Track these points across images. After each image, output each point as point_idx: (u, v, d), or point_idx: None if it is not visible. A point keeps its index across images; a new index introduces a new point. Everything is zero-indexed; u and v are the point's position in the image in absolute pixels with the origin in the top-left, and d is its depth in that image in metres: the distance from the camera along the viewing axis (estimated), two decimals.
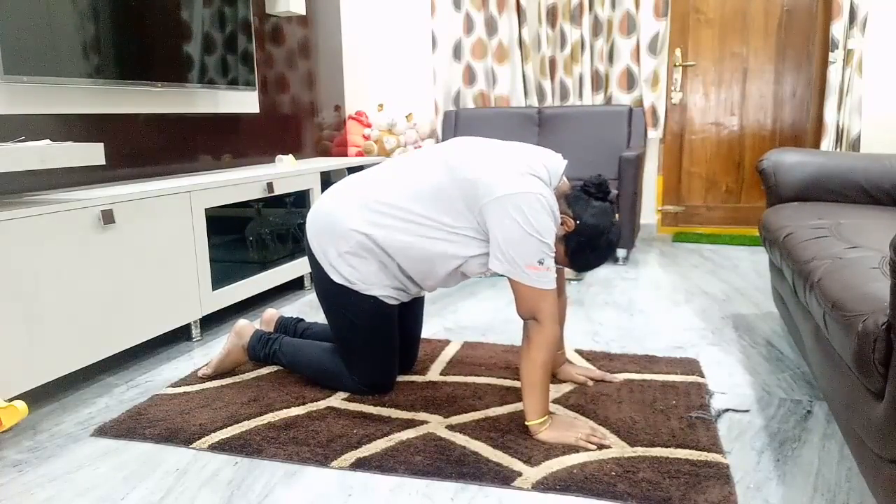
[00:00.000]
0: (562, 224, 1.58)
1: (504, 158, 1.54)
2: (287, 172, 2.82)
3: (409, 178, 1.62)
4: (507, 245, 1.48)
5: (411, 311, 1.88)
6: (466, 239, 1.57)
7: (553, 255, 1.51)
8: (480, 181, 1.51)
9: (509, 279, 1.52)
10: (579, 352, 2.09)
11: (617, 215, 3.28)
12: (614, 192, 1.67)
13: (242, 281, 2.55)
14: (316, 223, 1.70)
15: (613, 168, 3.41)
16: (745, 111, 4.01)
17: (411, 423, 1.62)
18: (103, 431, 1.63)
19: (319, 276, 1.71)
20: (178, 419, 1.67)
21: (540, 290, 1.48)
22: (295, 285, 3.06)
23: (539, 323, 1.50)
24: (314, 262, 1.71)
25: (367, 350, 1.75)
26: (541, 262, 1.47)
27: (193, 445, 1.54)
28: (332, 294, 1.69)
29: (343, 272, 1.65)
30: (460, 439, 1.53)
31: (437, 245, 1.58)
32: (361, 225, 1.61)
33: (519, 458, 1.43)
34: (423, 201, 1.58)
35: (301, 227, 3.02)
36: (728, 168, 4.10)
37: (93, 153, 1.82)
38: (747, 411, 1.67)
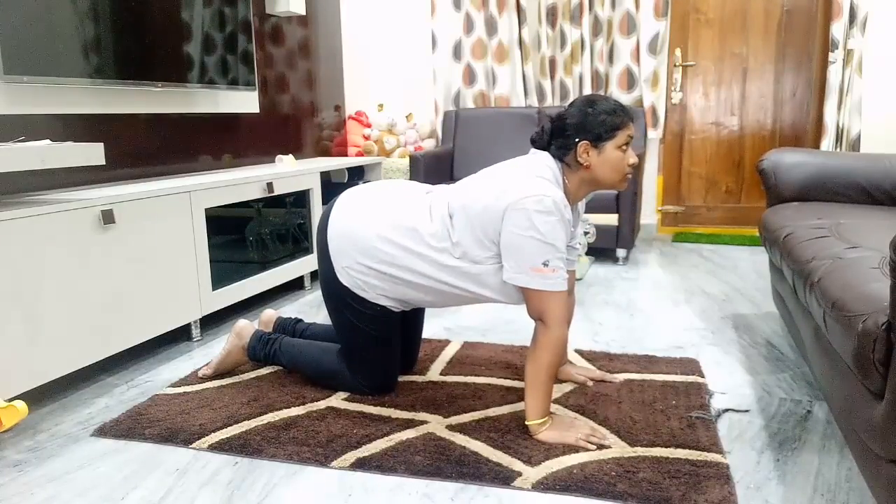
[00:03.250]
0: (586, 153, 1.54)
1: (502, 176, 1.55)
2: (287, 172, 2.82)
3: (438, 214, 1.60)
4: (512, 248, 1.48)
5: (414, 312, 1.88)
6: (488, 270, 1.56)
7: (561, 255, 1.49)
8: (488, 207, 1.51)
9: None
10: (579, 352, 2.09)
11: (617, 216, 3.28)
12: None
13: (242, 281, 2.55)
14: (340, 227, 1.67)
15: None
16: (745, 111, 4.02)
17: (411, 423, 1.62)
18: (103, 431, 1.63)
19: (327, 276, 1.70)
20: (178, 419, 1.67)
21: (546, 292, 1.48)
22: (295, 285, 3.06)
23: (545, 325, 1.50)
24: (325, 261, 1.70)
25: (370, 351, 1.75)
26: (545, 264, 1.46)
27: (193, 445, 1.54)
28: (339, 295, 1.69)
29: (355, 278, 1.65)
30: (460, 439, 1.53)
31: (458, 280, 1.58)
32: (388, 246, 1.60)
33: (519, 458, 1.43)
34: (448, 239, 1.57)
35: (301, 226, 3.02)
36: (728, 168, 4.10)
37: (93, 153, 1.82)
38: (747, 411, 1.67)
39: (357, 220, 1.65)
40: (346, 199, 1.72)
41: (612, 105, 1.56)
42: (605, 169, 1.56)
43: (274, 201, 2.82)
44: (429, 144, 4.23)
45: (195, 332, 2.34)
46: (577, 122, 1.55)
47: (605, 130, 1.54)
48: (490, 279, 1.57)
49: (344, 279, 1.66)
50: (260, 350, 1.92)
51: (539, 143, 1.61)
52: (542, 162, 1.57)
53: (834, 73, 3.55)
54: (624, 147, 1.56)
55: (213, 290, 2.38)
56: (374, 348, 1.74)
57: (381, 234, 1.61)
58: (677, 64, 4.00)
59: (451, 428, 1.59)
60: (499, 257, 1.54)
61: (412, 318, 1.89)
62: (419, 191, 1.69)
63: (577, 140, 1.54)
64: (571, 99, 3.96)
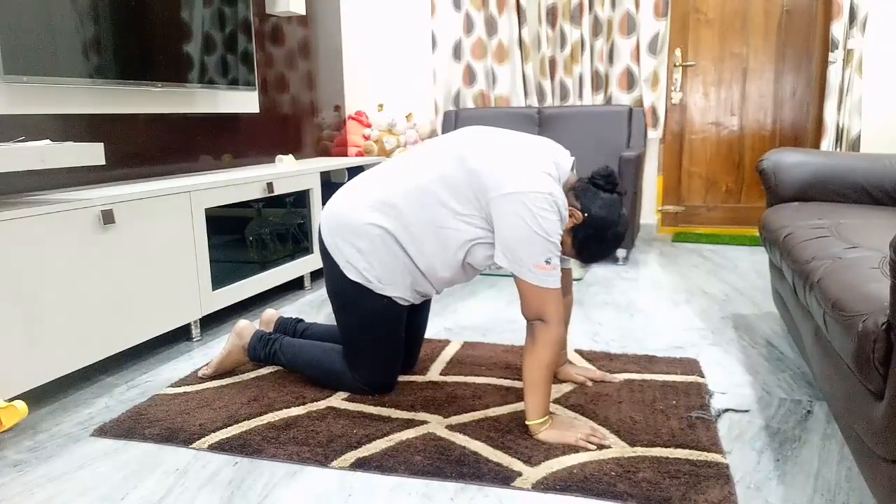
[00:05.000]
0: (570, 217, 1.58)
1: (515, 153, 1.55)
2: (287, 172, 2.82)
3: (420, 168, 1.62)
4: (514, 243, 1.48)
5: (418, 312, 1.88)
6: (473, 227, 1.57)
7: (560, 253, 1.50)
8: (489, 174, 1.51)
9: (515, 280, 1.52)
10: (579, 352, 2.09)
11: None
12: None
13: (242, 281, 2.55)
14: (331, 221, 1.69)
15: (613, 168, 3.41)
16: (745, 111, 4.01)
17: (411, 423, 1.62)
18: (103, 431, 1.63)
19: (333, 274, 1.70)
20: (178, 419, 1.67)
21: (546, 289, 1.48)
22: (295, 285, 3.06)
23: (545, 323, 1.50)
24: (328, 260, 1.70)
25: (373, 350, 1.75)
26: (547, 262, 1.47)
27: (193, 445, 1.54)
28: (345, 292, 1.69)
29: (360, 268, 1.65)
30: (460, 439, 1.53)
31: (446, 231, 1.59)
32: (376, 218, 1.62)
33: (519, 458, 1.43)
34: (432, 188, 1.58)
35: (301, 226, 3.02)
36: (728, 168, 4.10)
37: (93, 153, 1.82)
38: (747, 411, 1.67)
39: (343, 206, 1.68)
40: (332, 198, 1.75)
41: (600, 253, 1.63)
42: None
43: (274, 201, 2.82)
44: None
45: (195, 332, 2.34)
46: (595, 214, 1.57)
47: (579, 241, 1.60)
48: (470, 235, 1.59)
49: (351, 274, 1.66)
50: (260, 350, 1.92)
51: (603, 176, 1.62)
52: (550, 157, 1.57)
53: (834, 73, 3.55)
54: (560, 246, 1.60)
55: (213, 290, 2.38)
56: (377, 346, 1.74)
57: (367, 208, 1.63)
58: (677, 64, 4.00)
59: (451, 428, 1.59)
60: (479, 219, 1.56)
61: (417, 318, 1.89)
62: (400, 157, 1.72)
63: (586, 210, 1.57)
64: (571, 99, 3.96)
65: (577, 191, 1.61)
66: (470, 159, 1.55)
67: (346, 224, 1.66)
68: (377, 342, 1.73)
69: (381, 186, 1.65)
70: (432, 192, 1.58)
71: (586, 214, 1.57)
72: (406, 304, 1.72)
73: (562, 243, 1.59)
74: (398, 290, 1.68)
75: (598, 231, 1.59)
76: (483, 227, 1.57)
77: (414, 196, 1.60)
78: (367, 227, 1.62)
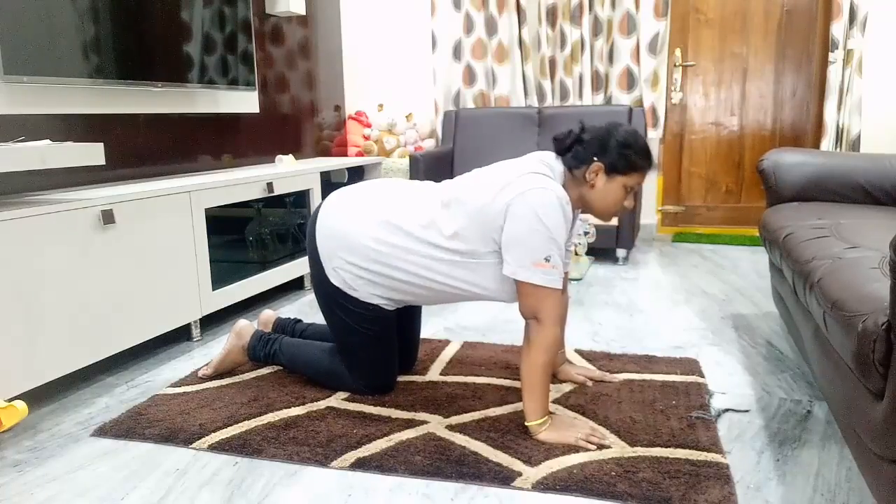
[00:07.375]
0: (595, 175, 1.56)
1: (503, 172, 1.55)
2: (287, 172, 2.82)
3: (428, 208, 1.60)
4: (516, 242, 1.48)
5: (411, 311, 1.88)
6: (486, 265, 1.56)
7: (561, 253, 1.49)
8: (491, 204, 1.51)
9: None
10: (579, 352, 2.09)
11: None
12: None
13: (242, 281, 2.55)
14: (328, 227, 1.67)
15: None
16: (745, 111, 4.01)
17: (411, 423, 1.62)
18: (103, 431, 1.63)
19: (319, 278, 1.70)
20: (178, 419, 1.67)
21: (545, 288, 1.48)
22: (294, 285, 3.06)
23: (540, 323, 1.50)
24: (315, 263, 1.70)
25: (367, 352, 1.74)
26: (548, 259, 1.46)
27: (193, 445, 1.54)
28: (331, 296, 1.69)
29: (345, 278, 1.65)
30: (460, 439, 1.53)
31: (451, 275, 1.59)
32: (376, 244, 1.60)
33: (519, 458, 1.43)
34: (439, 233, 1.57)
35: (301, 227, 3.02)
36: (728, 168, 4.10)
37: (93, 153, 1.82)
38: (747, 411, 1.67)
39: (346, 220, 1.66)
40: (334, 201, 1.72)
41: (643, 146, 1.57)
42: (604, 197, 1.58)
43: (274, 201, 2.82)
44: (429, 144, 4.23)
45: (195, 332, 2.34)
46: (603, 143, 1.55)
47: (624, 164, 1.55)
48: (485, 272, 1.57)
49: (335, 280, 1.66)
50: (260, 350, 1.92)
51: (560, 143, 1.60)
52: (538, 160, 1.57)
53: (834, 73, 3.55)
54: (629, 188, 1.58)
55: (213, 290, 2.38)
56: (370, 348, 1.74)
57: (370, 233, 1.61)
58: (677, 64, 4.00)
59: (451, 428, 1.59)
60: (497, 253, 1.54)
61: (409, 317, 1.89)
62: (409, 188, 1.69)
63: (594, 158, 1.55)
64: (571, 99, 3.96)
65: (572, 161, 1.58)
66: (467, 203, 1.54)
67: (343, 237, 1.64)
68: (368, 344, 1.73)
69: (390, 214, 1.62)
70: (438, 238, 1.57)
71: (596, 156, 1.55)
72: (393, 307, 1.72)
73: (606, 192, 1.56)
74: (382, 299, 1.68)
75: (620, 145, 1.54)
76: (497, 263, 1.56)
77: (419, 237, 1.58)
78: (365, 249, 1.61)
